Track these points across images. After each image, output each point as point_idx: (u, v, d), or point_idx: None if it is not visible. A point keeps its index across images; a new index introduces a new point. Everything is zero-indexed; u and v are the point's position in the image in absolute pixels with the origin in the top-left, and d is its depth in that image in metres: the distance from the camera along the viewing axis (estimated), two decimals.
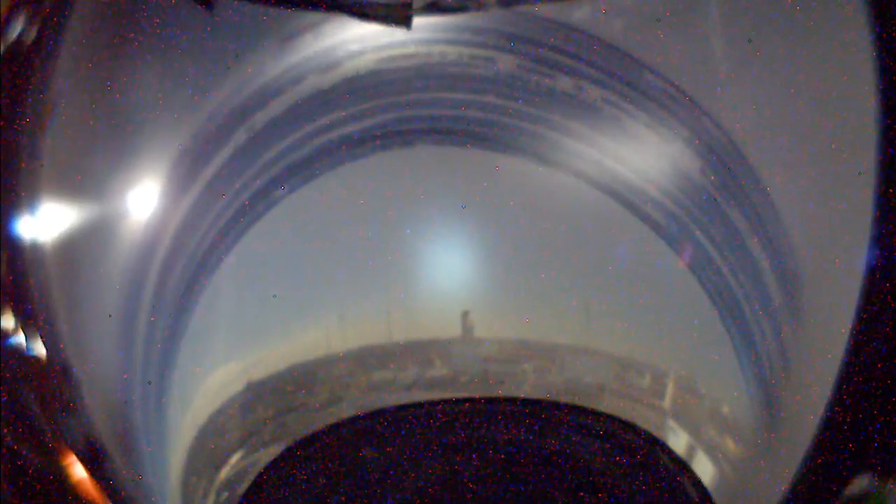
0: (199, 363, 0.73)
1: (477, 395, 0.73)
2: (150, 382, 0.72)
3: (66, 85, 0.77)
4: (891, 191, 0.72)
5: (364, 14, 0.73)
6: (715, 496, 0.71)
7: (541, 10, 0.74)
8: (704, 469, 0.72)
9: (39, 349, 0.73)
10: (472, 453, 0.72)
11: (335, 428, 0.72)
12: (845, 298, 0.71)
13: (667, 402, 0.72)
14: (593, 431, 0.72)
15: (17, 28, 0.79)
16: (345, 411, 0.73)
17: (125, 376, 0.72)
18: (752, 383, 0.72)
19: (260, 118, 0.74)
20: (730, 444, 0.72)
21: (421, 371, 0.73)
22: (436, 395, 0.73)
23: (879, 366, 0.70)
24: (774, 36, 0.75)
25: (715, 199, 0.73)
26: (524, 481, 0.71)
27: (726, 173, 0.73)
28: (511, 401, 0.73)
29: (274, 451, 0.72)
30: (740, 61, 0.74)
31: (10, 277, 0.74)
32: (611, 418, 0.72)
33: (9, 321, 0.74)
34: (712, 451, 0.72)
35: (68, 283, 0.74)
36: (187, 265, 0.73)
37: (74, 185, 0.75)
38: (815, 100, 0.74)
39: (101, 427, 0.72)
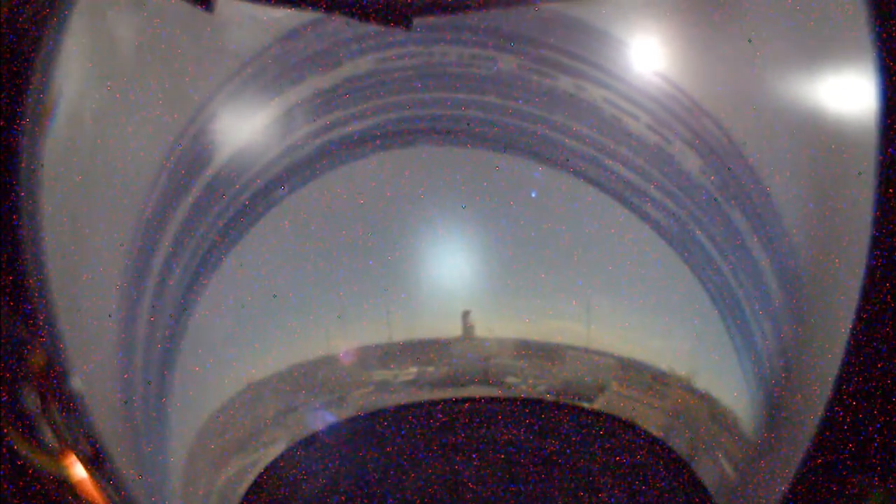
0: (199, 363, 0.72)
1: (477, 395, 0.73)
2: (150, 382, 0.72)
3: (66, 85, 0.77)
4: (891, 191, 0.72)
5: (364, 14, 0.73)
6: (715, 496, 0.71)
7: (541, 9, 0.74)
8: (704, 469, 0.72)
9: (39, 349, 0.73)
10: (472, 453, 0.72)
11: (335, 428, 0.73)
12: (845, 298, 0.71)
13: (667, 402, 0.72)
14: (593, 431, 0.72)
15: (17, 28, 0.79)
16: (345, 411, 0.73)
17: (125, 376, 0.72)
18: (752, 383, 0.72)
19: (260, 118, 0.74)
20: (730, 444, 0.72)
21: (421, 371, 0.73)
22: (436, 395, 0.73)
23: (879, 366, 0.70)
24: (775, 36, 0.75)
25: (715, 199, 0.73)
26: (524, 481, 0.71)
27: (726, 173, 0.73)
28: (511, 401, 0.73)
29: (274, 451, 0.72)
30: (740, 61, 0.74)
31: (10, 277, 0.74)
32: (611, 418, 0.72)
33: (9, 322, 0.74)
34: (712, 451, 0.72)
35: (68, 283, 0.74)
36: (187, 265, 0.73)
37: (74, 186, 0.75)
38: (815, 100, 0.74)
39: (101, 427, 0.72)
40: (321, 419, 0.72)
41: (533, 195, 0.71)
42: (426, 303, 0.72)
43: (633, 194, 0.72)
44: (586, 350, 0.72)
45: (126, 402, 0.72)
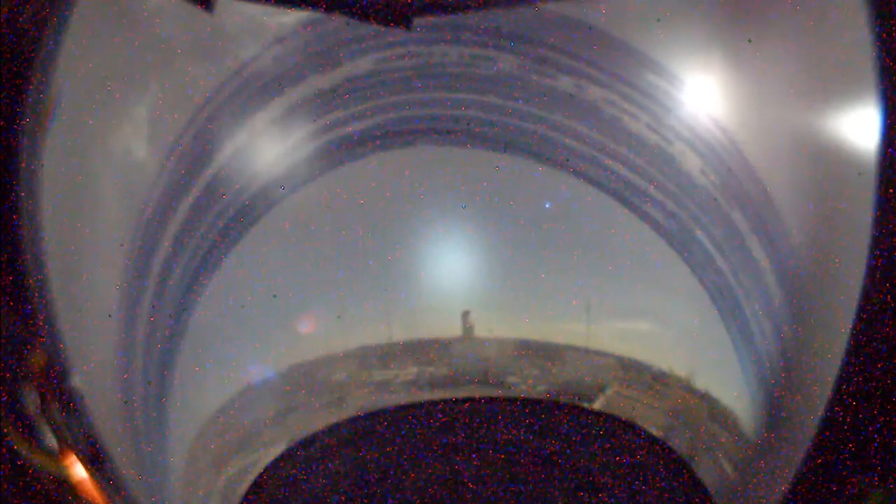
0: (199, 363, 0.73)
1: (477, 395, 0.73)
2: (150, 382, 0.72)
3: (66, 85, 0.77)
4: (891, 191, 0.72)
5: (364, 14, 0.73)
6: (715, 496, 0.71)
7: (541, 9, 0.74)
8: (704, 469, 0.72)
9: (39, 349, 0.73)
10: (472, 453, 0.72)
11: (335, 428, 0.73)
12: (845, 298, 0.71)
13: (667, 402, 0.72)
14: (593, 431, 0.72)
15: (17, 28, 0.79)
16: (345, 411, 0.73)
17: (125, 376, 0.72)
18: (752, 383, 0.72)
19: (260, 118, 0.74)
20: (730, 444, 0.72)
21: (421, 371, 0.73)
22: (436, 395, 0.73)
23: (879, 366, 0.70)
24: (774, 36, 0.75)
25: (715, 199, 0.73)
26: (524, 481, 0.71)
27: (726, 173, 0.73)
28: (511, 401, 0.73)
29: (274, 451, 0.72)
30: (741, 62, 0.74)
31: (10, 277, 0.74)
32: (611, 418, 0.72)
33: (9, 322, 0.74)
34: (712, 451, 0.72)
35: (68, 283, 0.74)
36: (187, 265, 0.73)
37: (74, 186, 0.75)
38: (815, 100, 0.74)
39: (101, 427, 0.72)
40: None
41: (547, 206, 0.72)
42: (426, 303, 0.72)
43: (633, 194, 0.72)
44: (586, 350, 0.72)
45: (126, 402, 0.72)
